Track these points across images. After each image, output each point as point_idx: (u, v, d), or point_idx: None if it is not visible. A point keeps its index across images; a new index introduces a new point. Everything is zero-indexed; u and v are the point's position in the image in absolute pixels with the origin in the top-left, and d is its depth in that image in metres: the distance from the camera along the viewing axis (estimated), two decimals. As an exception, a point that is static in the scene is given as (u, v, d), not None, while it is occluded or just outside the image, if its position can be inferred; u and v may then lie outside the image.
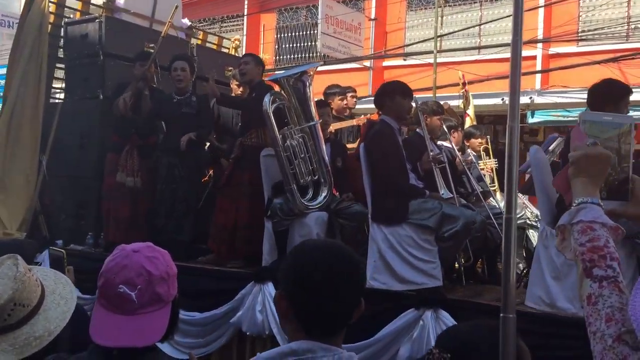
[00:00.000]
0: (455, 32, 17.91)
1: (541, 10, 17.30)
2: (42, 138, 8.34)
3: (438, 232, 6.17)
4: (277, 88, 7.14)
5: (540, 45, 17.18)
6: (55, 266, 6.36)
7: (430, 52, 15.41)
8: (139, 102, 7.88)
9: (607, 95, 5.66)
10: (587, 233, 1.71)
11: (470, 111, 10.36)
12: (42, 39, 8.34)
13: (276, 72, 8.65)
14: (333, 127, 8.16)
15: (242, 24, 20.92)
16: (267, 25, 19.77)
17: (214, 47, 10.36)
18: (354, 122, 8.60)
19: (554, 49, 17.20)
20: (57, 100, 9.11)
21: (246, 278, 6.80)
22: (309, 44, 20.07)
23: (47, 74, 8.48)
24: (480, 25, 18.03)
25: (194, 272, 7.15)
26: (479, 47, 17.87)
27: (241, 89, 8.38)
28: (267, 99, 6.78)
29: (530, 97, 16.40)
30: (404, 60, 18.36)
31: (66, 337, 2.78)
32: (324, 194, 6.93)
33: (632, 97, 13.74)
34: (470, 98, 10.53)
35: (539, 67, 17.28)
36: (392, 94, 6.52)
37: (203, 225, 7.79)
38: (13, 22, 21.40)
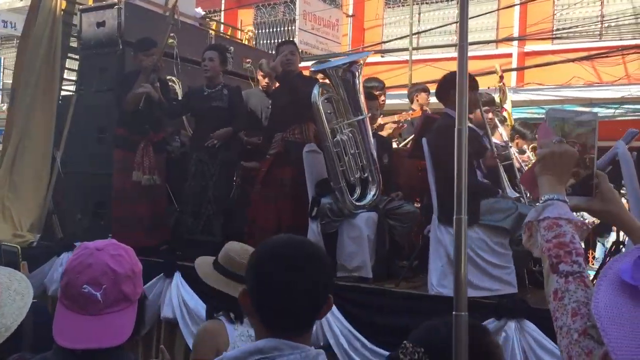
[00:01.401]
0: (431, 29, 17.36)
1: (517, 9, 16.87)
2: (56, 132, 7.40)
3: (513, 235, 5.47)
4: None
5: (516, 43, 16.69)
6: (9, 261, 5.61)
7: (406, 50, 14.88)
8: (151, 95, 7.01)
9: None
10: (553, 229, 1.67)
11: (508, 106, 9.66)
12: (55, 26, 7.42)
13: (322, 62, 7.79)
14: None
15: (220, 20, 19.89)
16: (245, 21, 18.87)
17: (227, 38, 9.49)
18: (395, 117, 7.85)
19: (530, 47, 16.82)
20: (67, 93, 8.12)
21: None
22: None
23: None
24: (457, 22, 17.31)
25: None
26: (456, 45, 17.20)
27: (266, 79, 7.57)
28: (316, 90, 6.06)
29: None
30: (382, 57, 17.68)
31: (29, 337, 2.72)
32: (372, 193, 6.21)
33: (605, 95, 13.38)
34: (507, 92, 9.85)
35: (514, 65, 16.86)
36: None
37: (232, 226, 6.95)
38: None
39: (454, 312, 2.25)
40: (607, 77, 15.44)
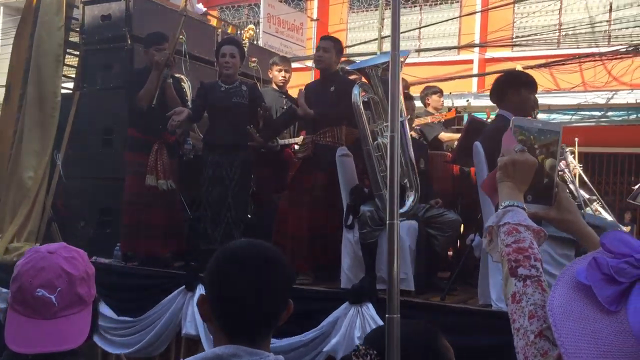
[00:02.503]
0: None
1: (478, 16, 16.79)
2: (56, 133, 6.58)
3: (580, 246, 4.92)
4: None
5: (477, 49, 16.44)
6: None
7: (372, 54, 14.37)
8: (164, 93, 6.28)
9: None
10: (513, 234, 1.66)
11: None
12: (58, 18, 6.58)
13: (359, 60, 7.18)
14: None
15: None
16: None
17: (227, 36, 8.72)
18: (428, 119, 7.27)
19: (490, 54, 16.64)
20: (65, 91, 7.24)
21: (332, 298, 5.40)
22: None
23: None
24: (420, 28, 17.12)
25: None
26: (419, 50, 16.95)
27: (282, 74, 6.91)
28: (356, 91, 5.47)
29: (467, 100, 15.68)
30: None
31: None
32: (411, 200, 5.61)
33: (563, 102, 13.26)
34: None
35: (475, 71, 16.83)
36: (518, 86, 5.23)
37: (255, 235, 6.25)
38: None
39: (387, 315, 2.27)
40: (565, 84, 15.47)
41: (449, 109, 7.68)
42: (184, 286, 5.77)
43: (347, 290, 5.37)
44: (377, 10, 16.43)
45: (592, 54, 15.28)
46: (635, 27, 15.76)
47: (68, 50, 7.15)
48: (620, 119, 15.14)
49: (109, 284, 6.23)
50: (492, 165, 5.05)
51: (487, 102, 15.19)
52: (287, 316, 1.93)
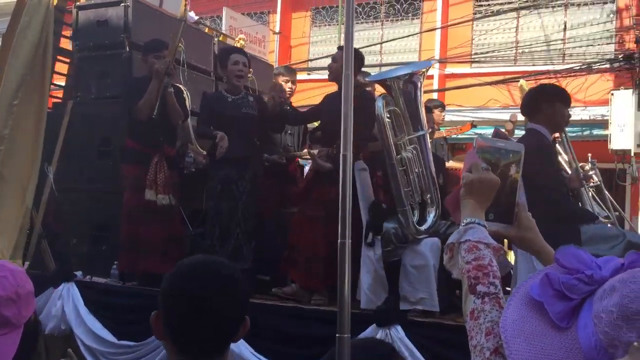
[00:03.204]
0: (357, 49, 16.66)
1: (438, 32, 16.62)
2: (46, 144, 6.01)
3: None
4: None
5: (437, 65, 16.26)
6: None
7: None
8: (165, 103, 5.82)
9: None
10: (473, 252, 1.64)
11: None
12: (46, 23, 6.00)
13: (381, 71, 6.82)
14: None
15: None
16: (169, 35, 17.62)
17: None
18: (443, 133, 6.94)
19: (450, 70, 16.53)
20: (54, 99, 6.67)
21: (356, 321, 4.98)
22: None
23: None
24: (381, 43, 16.91)
25: (277, 312, 5.27)
26: (380, 65, 16.74)
27: (289, 85, 6.52)
28: (380, 103, 5.10)
29: (427, 115, 15.57)
30: (308, 74, 16.81)
31: None
32: (432, 216, 5.25)
33: (520, 117, 13.43)
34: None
35: (435, 86, 16.55)
36: (552, 99, 4.94)
37: (265, 251, 5.84)
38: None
39: (337, 335, 2.25)
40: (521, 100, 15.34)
41: (464, 123, 7.38)
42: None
43: (373, 312, 4.99)
44: (339, 25, 16.19)
45: (548, 72, 15.32)
46: (589, 46, 15.85)
47: (58, 57, 6.56)
48: (574, 134, 15.17)
49: (106, 305, 5.74)
50: (529, 184, 4.78)
51: (448, 117, 15.09)
52: (244, 333, 1.87)
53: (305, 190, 5.70)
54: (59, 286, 5.71)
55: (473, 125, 7.07)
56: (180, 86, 6.23)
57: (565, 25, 16.13)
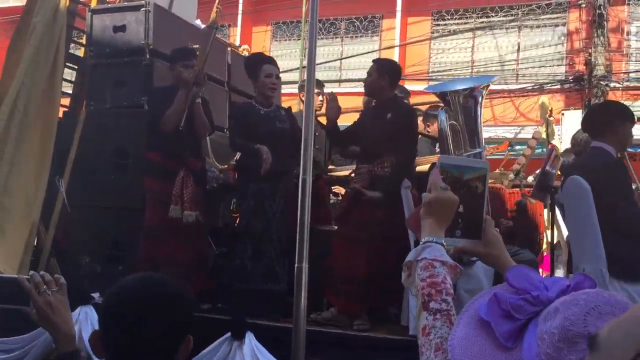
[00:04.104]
0: (317, 64, 16.39)
1: (397, 50, 16.58)
2: (58, 155, 5.44)
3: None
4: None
5: (395, 82, 16.13)
6: (11, 293, 4.02)
7: (294, 82, 13.83)
8: (192, 114, 5.35)
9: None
10: (429, 269, 1.63)
11: (557, 142, 8.68)
12: (57, 28, 5.45)
13: (439, 83, 6.44)
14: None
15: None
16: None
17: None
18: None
19: (408, 87, 16.26)
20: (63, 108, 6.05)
21: (405, 347, 4.63)
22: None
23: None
24: (340, 59, 16.70)
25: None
26: (340, 81, 16.51)
27: (320, 98, 6.13)
28: (442, 116, 4.80)
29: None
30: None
31: None
32: (480, 237, 4.90)
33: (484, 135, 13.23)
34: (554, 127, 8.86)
35: (392, 103, 16.21)
36: (624, 118, 4.65)
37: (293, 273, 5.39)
38: None
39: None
40: (477, 118, 15.37)
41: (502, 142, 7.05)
42: (229, 334, 4.80)
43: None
44: (299, 39, 15.85)
45: (502, 91, 15.38)
46: (541, 67, 16.00)
47: (67, 64, 5.97)
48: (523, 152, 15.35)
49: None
50: (598, 201, 4.50)
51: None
52: (187, 351, 1.80)
53: (345, 211, 5.28)
54: (75, 310, 5.13)
55: (510, 144, 6.77)
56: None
57: (518, 47, 16.30)
